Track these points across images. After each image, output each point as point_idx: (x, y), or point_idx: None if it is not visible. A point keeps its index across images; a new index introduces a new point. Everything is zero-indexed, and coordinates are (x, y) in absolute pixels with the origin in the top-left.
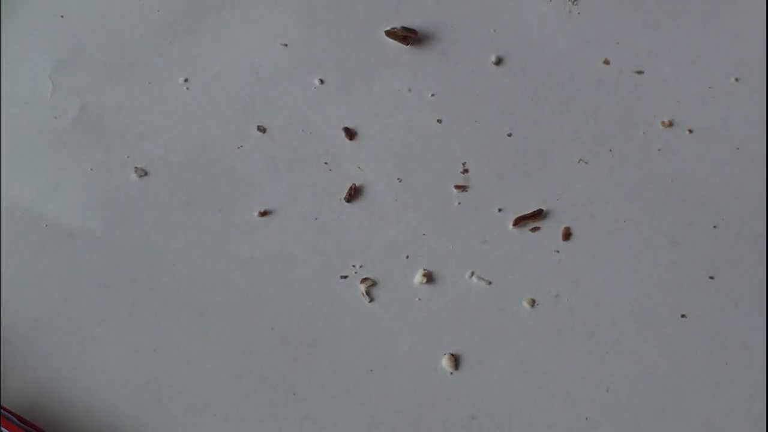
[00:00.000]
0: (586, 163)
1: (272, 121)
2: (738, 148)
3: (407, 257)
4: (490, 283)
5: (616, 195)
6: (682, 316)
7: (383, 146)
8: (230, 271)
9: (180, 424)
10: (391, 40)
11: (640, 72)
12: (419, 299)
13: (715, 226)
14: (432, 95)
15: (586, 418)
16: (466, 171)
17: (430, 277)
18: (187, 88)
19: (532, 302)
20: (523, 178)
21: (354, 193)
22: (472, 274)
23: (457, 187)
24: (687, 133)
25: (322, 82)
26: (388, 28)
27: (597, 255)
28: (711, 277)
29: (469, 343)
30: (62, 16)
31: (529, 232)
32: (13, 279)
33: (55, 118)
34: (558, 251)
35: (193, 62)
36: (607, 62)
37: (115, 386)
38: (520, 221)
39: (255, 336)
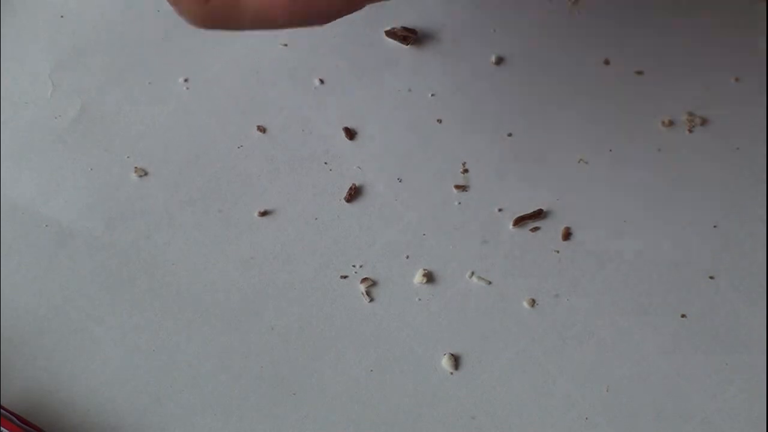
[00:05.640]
0: (586, 163)
1: (272, 121)
2: (738, 148)
3: (407, 257)
4: (490, 283)
5: (616, 195)
6: (682, 316)
7: (383, 146)
8: (230, 271)
9: (180, 424)
10: (391, 40)
11: (640, 72)
12: (419, 299)
13: (715, 226)
14: (432, 95)
15: (586, 418)
16: (466, 171)
17: (430, 277)
18: (187, 88)
19: (532, 302)
20: (523, 178)
21: (354, 193)
22: (472, 274)
23: (457, 187)
24: (687, 133)
25: (322, 82)
26: (388, 28)
27: (597, 255)
28: (711, 277)
29: (469, 343)
30: (62, 16)
31: (529, 232)
32: (13, 279)
33: (55, 118)
34: (558, 251)
35: (193, 62)
36: (607, 62)
37: (115, 386)
38: (520, 221)
39: (255, 336)
